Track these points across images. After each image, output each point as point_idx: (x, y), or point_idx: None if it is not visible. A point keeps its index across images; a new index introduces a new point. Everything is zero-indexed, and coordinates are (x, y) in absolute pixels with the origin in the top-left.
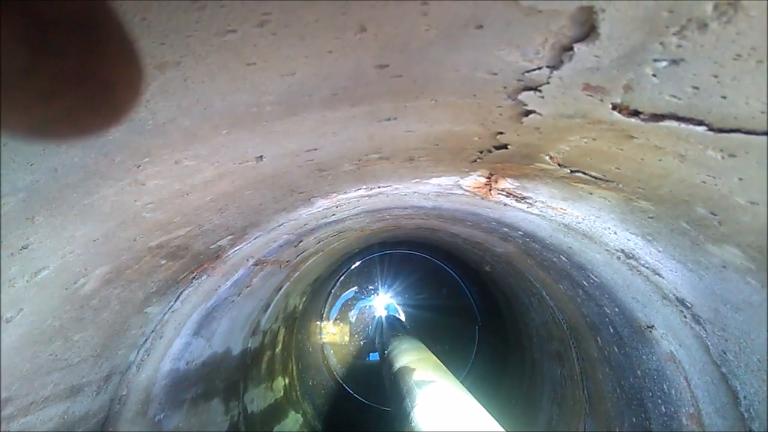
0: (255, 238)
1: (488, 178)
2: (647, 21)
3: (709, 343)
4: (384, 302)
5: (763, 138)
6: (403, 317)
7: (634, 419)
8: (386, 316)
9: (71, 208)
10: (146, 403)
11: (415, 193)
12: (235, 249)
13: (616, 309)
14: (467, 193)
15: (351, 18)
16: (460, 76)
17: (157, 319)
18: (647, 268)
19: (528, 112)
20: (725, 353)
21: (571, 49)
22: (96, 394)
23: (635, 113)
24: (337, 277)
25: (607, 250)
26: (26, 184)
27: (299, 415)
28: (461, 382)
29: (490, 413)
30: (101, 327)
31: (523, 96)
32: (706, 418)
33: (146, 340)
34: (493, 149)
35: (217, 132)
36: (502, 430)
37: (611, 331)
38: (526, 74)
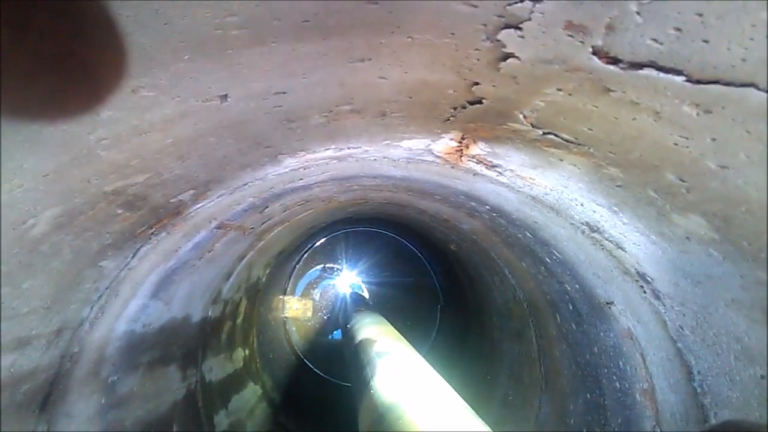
0: (218, 197)
1: (460, 142)
2: None
3: (666, 319)
4: (349, 280)
5: (741, 90)
6: (367, 295)
7: (588, 395)
8: (350, 294)
9: (17, 133)
10: (99, 363)
11: (385, 158)
12: (197, 206)
13: (577, 286)
14: (438, 160)
15: None
16: (437, 7)
17: (112, 275)
18: (611, 241)
19: (506, 56)
20: (682, 328)
21: None
22: (46, 349)
23: (615, 61)
24: (303, 252)
25: (572, 224)
26: None
27: (258, 386)
28: None
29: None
30: (52, 277)
31: (503, 35)
32: (660, 393)
33: (101, 296)
34: (467, 104)
35: (177, 57)
36: (460, 398)
37: (570, 308)
38: (508, 7)
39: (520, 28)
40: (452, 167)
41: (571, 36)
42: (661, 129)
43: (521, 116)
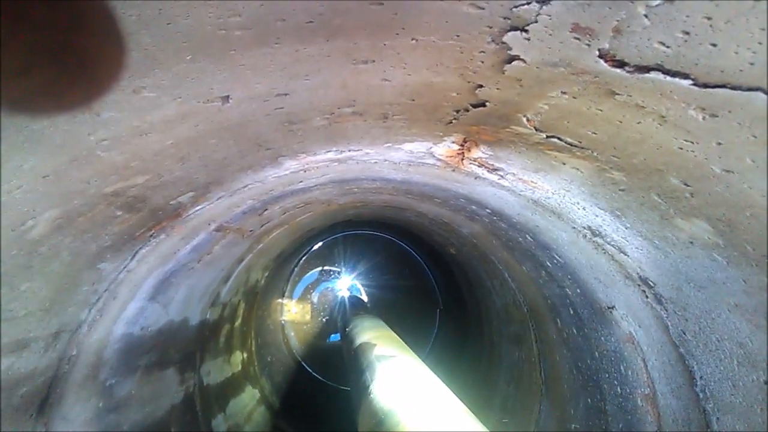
0: (218, 199)
1: (462, 145)
2: None
3: (669, 323)
4: (347, 283)
5: (747, 94)
6: (365, 298)
7: (589, 400)
8: (349, 297)
9: (18, 133)
10: (97, 366)
11: (386, 161)
12: (197, 209)
13: (578, 290)
14: (439, 164)
15: None
16: (443, 8)
17: (111, 277)
18: (613, 246)
19: (512, 59)
20: (684, 333)
21: None
22: (44, 351)
23: (621, 64)
24: (301, 255)
25: (573, 227)
26: None
27: (256, 390)
28: None
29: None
30: (50, 279)
31: (509, 37)
32: (661, 398)
33: (99, 298)
34: (470, 107)
35: (180, 57)
36: (460, 403)
37: (571, 312)
38: (514, 9)
39: (526, 31)
40: (453, 170)
41: (577, 39)
42: (666, 133)
43: (524, 119)
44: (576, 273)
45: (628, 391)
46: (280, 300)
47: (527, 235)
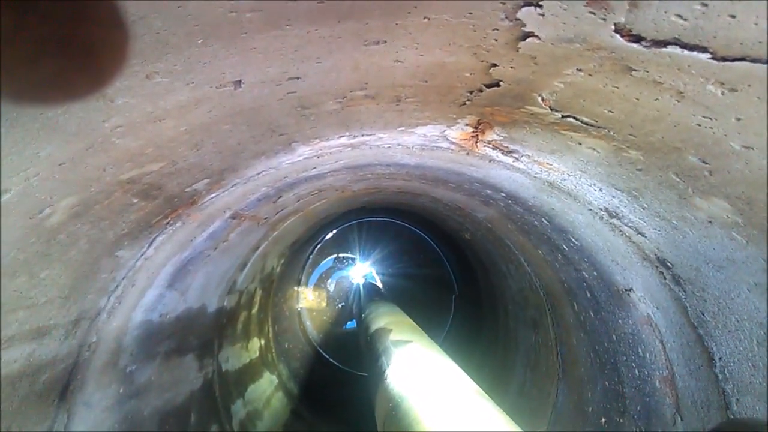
0: (233, 186)
1: (475, 127)
2: None
3: (687, 305)
4: (362, 270)
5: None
6: (381, 285)
7: (606, 383)
8: (364, 284)
9: (34, 120)
10: (117, 353)
11: (399, 145)
12: (212, 196)
13: (595, 273)
14: (453, 147)
15: None
16: None
17: (129, 265)
18: (630, 227)
19: (526, 35)
20: (703, 314)
21: None
22: (64, 339)
23: (638, 38)
24: (316, 243)
25: (590, 209)
26: None
27: (274, 376)
28: None
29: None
30: (69, 266)
31: (523, 13)
32: (680, 380)
33: (117, 286)
34: (484, 88)
35: (191, 41)
36: (477, 386)
37: (588, 295)
38: None
39: (540, 6)
40: (467, 154)
41: (592, 13)
42: (684, 109)
43: (539, 99)
44: (593, 255)
45: (646, 373)
46: (296, 287)
47: (543, 218)
